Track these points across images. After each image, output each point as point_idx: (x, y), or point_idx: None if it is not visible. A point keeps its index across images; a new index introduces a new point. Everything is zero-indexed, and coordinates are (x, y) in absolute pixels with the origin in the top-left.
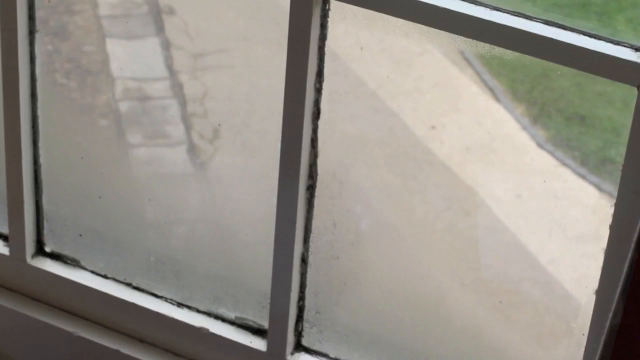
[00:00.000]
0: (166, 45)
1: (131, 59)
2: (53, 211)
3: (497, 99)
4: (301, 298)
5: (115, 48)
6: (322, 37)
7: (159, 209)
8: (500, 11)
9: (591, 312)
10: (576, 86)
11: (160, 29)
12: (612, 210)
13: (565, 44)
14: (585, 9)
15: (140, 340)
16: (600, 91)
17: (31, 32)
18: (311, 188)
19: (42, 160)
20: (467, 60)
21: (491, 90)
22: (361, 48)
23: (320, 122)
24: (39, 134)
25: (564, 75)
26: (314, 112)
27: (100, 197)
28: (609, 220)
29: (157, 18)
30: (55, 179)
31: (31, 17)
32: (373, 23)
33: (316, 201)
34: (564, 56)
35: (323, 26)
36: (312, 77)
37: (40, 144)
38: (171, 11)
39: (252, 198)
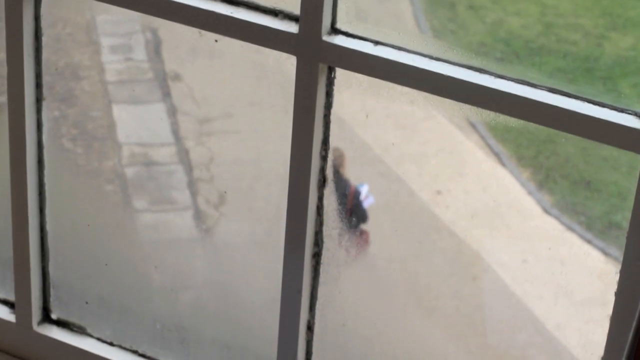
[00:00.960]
0: (172, 111)
1: (137, 124)
2: (59, 278)
3: (503, 164)
4: None
5: (121, 113)
6: (328, 105)
7: (165, 275)
8: (505, 79)
9: None
10: (581, 151)
11: (166, 95)
12: (617, 276)
13: (570, 111)
14: (590, 73)
15: None
16: (605, 156)
17: (38, 100)
18: (317, 255)
19: (48, 227)
20: (472, 125)
21: (497, 155)
22: (367, 115)
23: (326, 190)
24: (45, 200)
25: (570, 141)
26: (319, 180)
27: (106, 264)
28: (615, 285)
29: (163, 84)
30: (61, 246)
31: (38, 85)
32: (378, 91)
33: (322, 268)
34: (568, 124)
35: (329, 94)
36: (318, 145)
37: (47, 210)
38: (177, 77)
39: (258, 264)
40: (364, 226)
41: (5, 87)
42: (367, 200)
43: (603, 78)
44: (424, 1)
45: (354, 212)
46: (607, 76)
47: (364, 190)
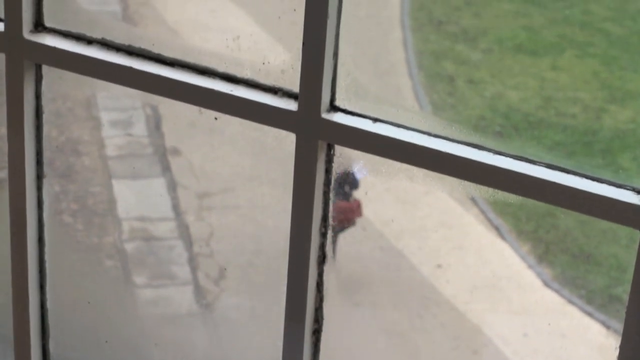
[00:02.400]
0: (172, 185)
1: (137, 199)
2: (60, 355)
3: (503, 238)
4: None
5: (121, 188)
6: (327, 182)
7: (165, 353)
8: (504, 155)
9: None
10: (581, 224)
11: (166, 169)
12: (617, 351)
13: (568, 188)
14: (589, 146)
15: None
16: (605, 229)
17: (39, 177)
18: (317, 332)
19: (49, 304)
20: (472, 199)
21: (496, 229)
22: (366, 193)
23: (326, 266)
24: (46, 277)
25: (569, 215)
26: (319, 256)
27: (106, 341)
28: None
29: (163, 159)
30: (62, 323)
31: (39, 162)
32: (378, 167)
33: (322, 345)
34: (566, 200)
35: (328, 171)
36: (318, 222)
37: (47, 288)
38: (177, 152)
39: (258, 340)
40: (356, 194)
41: (5, 162)
42: (361, 172)
43: (602, 151)
44: (423, 75)
45: (347, 182)
46: (606, 149)
47: (358, 166)
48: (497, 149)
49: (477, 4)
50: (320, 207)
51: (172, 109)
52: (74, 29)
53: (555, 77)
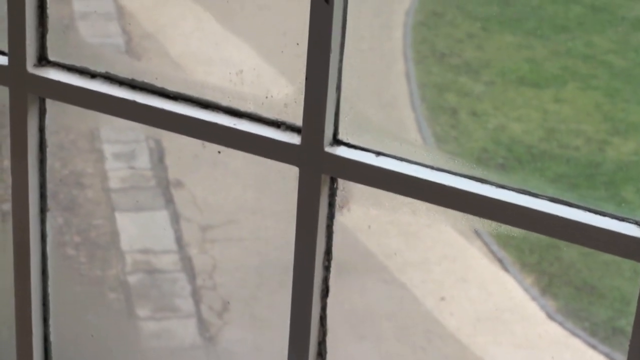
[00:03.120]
0: (175, 218)
1: (140, 232)
2: None
3: (506, 270)
4: None
5: (124, 221)
6: (330, 216)
7: None
8: (507, 189)
9: None
10: (584, 256)
11: (169, 201)
12: None
13: (571, 221)
14: (593, 179)
15: None
16: (608, 261)
17: (42, 211)
18: None
19: (52, 337)
20: (475, 231)
21: (500, 261)
22: (369, 226)
23: (329, 299)
24: (49, 311)
25: (572, 246)
26: (322, 290)
27: None
28: None
29: (166, 191)
30: (65, 356)
31: (43, 196)
32: (381, 201)
33: None
34: (569, 234)
35: (331, 205)
36: (321, 256)
37: (51, 321)
38: (179, 184)
39: None
40: None
41: (9, 194)
42: None
43: (605, 183)
44: (426, 108)
45: None
46: (609, 181)
47: None
48: (500, 182)
49: (479, 37)
50: (323, 241)
51: (176, 142)
52: (78, 63)
53: (558, 109)
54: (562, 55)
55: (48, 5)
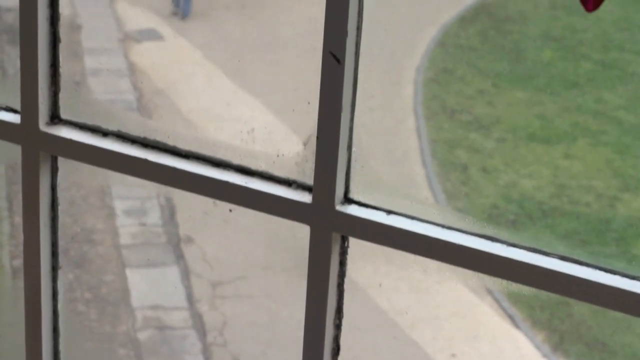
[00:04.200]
0: (185, 274)
1: (150, 288)
2: None
3: (517, 327)
4: None
5: (134, 277)
6: (342, 274)
7: None
8: (517, 247)
9: None
10: (595, 313)
11: (179, 257)
12: None
13: (581, 279)
14: (603, 235)
15: None
16: (619, 318)
17: (54, 269)
18: None
19: None
20: (486, 288)
21: (511, 317)
22: (380, 285)
23: (340, 358)
24: None
25: (583, 303)
26: (333, 349)
27: None
28: None
29: (177, 247)
30: None
31: (54, 254)
32: (391, 258)
33: None
34: (580, 292)
35: (342, 263)
36: (332, 314)
37: None
38: (190, 240)
39: None
40: None
41: (20, 250)
42: None
43: (616, 239)
44: (437, 164)
45: None
46: (620, 238)
47: None
48: (510, 239)
49: (490, 93)
50: (334, 299)
51: (187, 199)
52: (90, 121)
53: (569, 166)
54: (573, 111)
55: (60, 64)
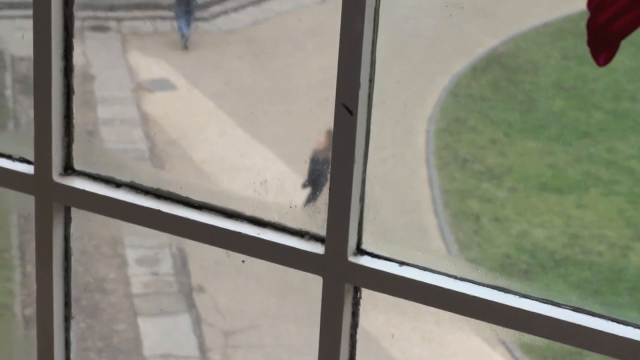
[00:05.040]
0: (197, 323)
1: (162, 337)
2: None
3: None
4: None
5: (146, 326)
6: (354, 325)
7: None
8: (530, 298)
9: None
10: None
11: (191, 306)
12: None
13: (594, 330)
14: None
15: None
16: None
17: (67, 319)
18: None
19: None
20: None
21: None
22: (392, 335)
23: None
24: None
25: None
26: None
27: None
28: None
29: (188, 296)
30: None
31: (67, 304)
32: (404, 309)
33: None
34: (593, 343)
35: (355, 314)
36: None
37: None
38: (202, 289)
39: None
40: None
41: (31, 299)
42: None
43: (629, 289)
44: (449, 214)
45: None
46: (632, 287)
47: None
48: (522, 290)
49: (502, 143)
50: (347, 350)
51: (199, 249)
52: (103, 172)
53: (581, 215)
54: (585, 161)
55: (74, 115)
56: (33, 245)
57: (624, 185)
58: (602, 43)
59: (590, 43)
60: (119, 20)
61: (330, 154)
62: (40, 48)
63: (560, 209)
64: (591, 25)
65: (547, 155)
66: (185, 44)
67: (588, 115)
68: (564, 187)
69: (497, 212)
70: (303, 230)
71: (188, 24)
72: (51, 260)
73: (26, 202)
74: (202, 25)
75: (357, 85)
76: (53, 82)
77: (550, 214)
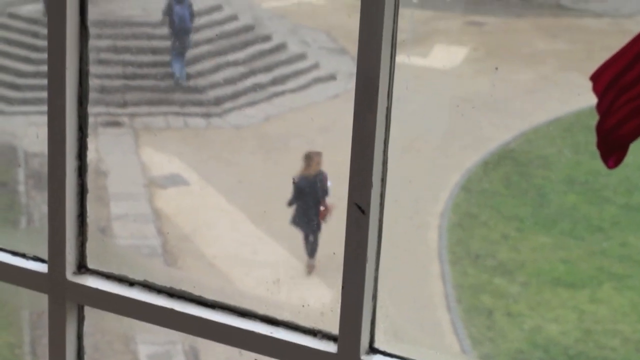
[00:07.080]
0: None
1: None
2: None
3: None
4: None
5: None
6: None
7: None
8: None
9: None
10: None
11: None
12: None
13: None
14: None
15: None
16: None
17: None
18: None
19: None
20: None
21: None
22: None
23: None
24: None
25: None
26: None
27: None
28: None
29: None
30: None
31: None
32: None
33: None
34: None
35: None
36: None
37: None
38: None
39: None
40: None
41: None
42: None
43: None
44: (462, 309)
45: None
46: None
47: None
48: None
49: (514, 238)
50: None
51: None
52: (116, 270)
53: (594, 310)
54: (598, 255)
55: (88, 213)
56: (45, 341)
57: (638, 279)
58: (611, 146)
59: (600, 146)
60: (131, 116)
61: (310, 173)
62: (55, 148)
63: (573, 304)
64: (600, 129)
65: (560, 250)
66: (178, 83)
67: (601, 210)
68: (577, 281)
69: (510, 307)
70: (316, 329)
71: (181, 65)
72: (64, 358)
73: (39, 300)
74: (214, 120)
75: (369, 185)
76: (67, 181)
77: (564, 309)
